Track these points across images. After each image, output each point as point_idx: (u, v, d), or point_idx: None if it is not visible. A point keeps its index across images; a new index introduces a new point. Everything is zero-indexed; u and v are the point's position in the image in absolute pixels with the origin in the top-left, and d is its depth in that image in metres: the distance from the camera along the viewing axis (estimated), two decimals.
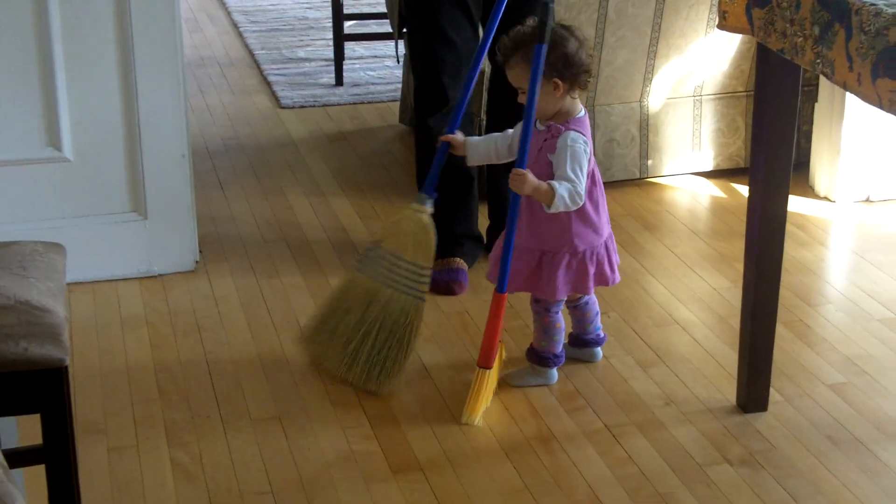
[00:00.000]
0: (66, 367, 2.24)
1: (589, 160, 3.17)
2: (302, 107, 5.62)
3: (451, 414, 3.19)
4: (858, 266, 4.07)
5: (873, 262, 4.07)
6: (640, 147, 4.66)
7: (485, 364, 3.17)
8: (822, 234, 4.30)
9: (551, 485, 2.92)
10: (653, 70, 4.55)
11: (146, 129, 3.81)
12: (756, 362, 3.17)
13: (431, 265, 3.25)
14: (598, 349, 3.45)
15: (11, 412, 2.31)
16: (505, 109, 3.64)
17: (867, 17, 2.38)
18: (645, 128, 4.65)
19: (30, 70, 3.68)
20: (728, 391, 3.29)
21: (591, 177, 3.20)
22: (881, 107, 2.38)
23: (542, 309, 3.30)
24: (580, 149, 3.12)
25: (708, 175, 4.77)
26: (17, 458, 2.35)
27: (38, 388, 2.23)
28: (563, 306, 3.33)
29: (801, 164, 4.67)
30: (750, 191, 3.09)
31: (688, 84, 4.64)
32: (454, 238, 3.93)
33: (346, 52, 6.02)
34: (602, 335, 3.45)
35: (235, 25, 7.02)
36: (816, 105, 4.65)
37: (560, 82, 3.12)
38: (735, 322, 3.38)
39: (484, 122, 4.31)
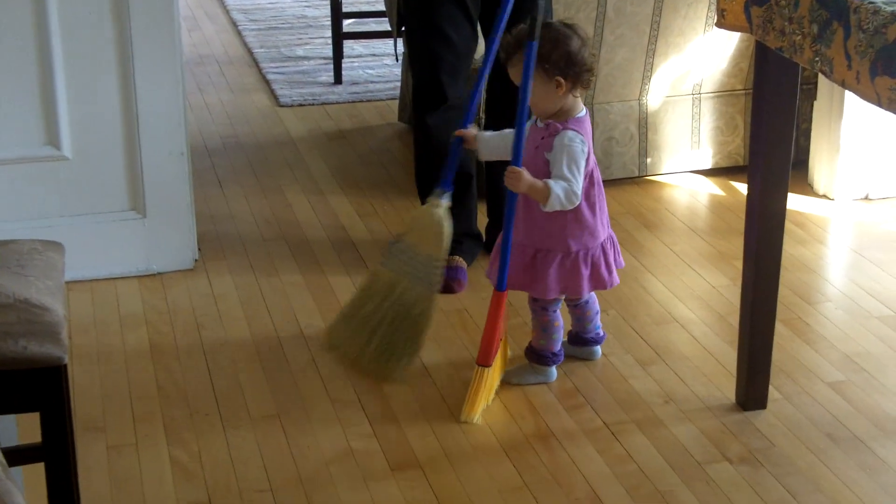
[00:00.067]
0: (65, 366, 2.24)
1: (588, 160, 3.16)
2: (301, 105, 5.62)
3: (450, 412, 3.19)
4: (857, 264, 4.07)
5: (872, 259, 4.07)
6: (639, 145, 4.66)
7: (484, 362, 3.17)
8: (821, 231, 4.30)
9: (550, 483, 2.92)
10: (652, 68, 4.55)
11: (145, 128, 3.81)
12: (755, 360, 3.17)
13: (444, 257, 3.26)
14: (598, 348, 3.45)
15: (10, 410, 2.31)
16: (504, 107, 3.63)
17: (865, 15, 2.38)
18: (644, 126, 4.65)
19: (29, 68, 3.68)
20: (727, 389, 3.29)
21: (590, 178, 3.20)
22: (880, 105, 2.38)
23: (540, 308, 3.30)
24: (577, 148, 3.12)
25: (707, 173, 4.77)
26: (17, 456, 2.35)
27: (37, 386, 2.23)
28: (560, 305, 3.33)
29: (800, 162, 4.67)
30: (749, 189, 3.09)
31: (687, 82, 4.64)
32: (453, 236, 3.92)
33: (344, 50, 6.02)
34: (602, 334, 3.45)
35: (234, 24, 7.02)
36: (815, 103, 4.65)
37: (562, 80, 3.12)
38: (734, 320, 3.38)
39: (483, 120, 4.31)
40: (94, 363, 3.42)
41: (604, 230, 3.26)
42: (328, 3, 6.09)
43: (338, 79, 5.90)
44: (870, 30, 2.37)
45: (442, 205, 3.24)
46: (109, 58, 3.73)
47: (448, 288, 3.80)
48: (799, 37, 2.63)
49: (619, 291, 3.78)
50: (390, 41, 6.27)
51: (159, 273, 3.94)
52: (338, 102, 5.66)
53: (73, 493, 2.35)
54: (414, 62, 3.91)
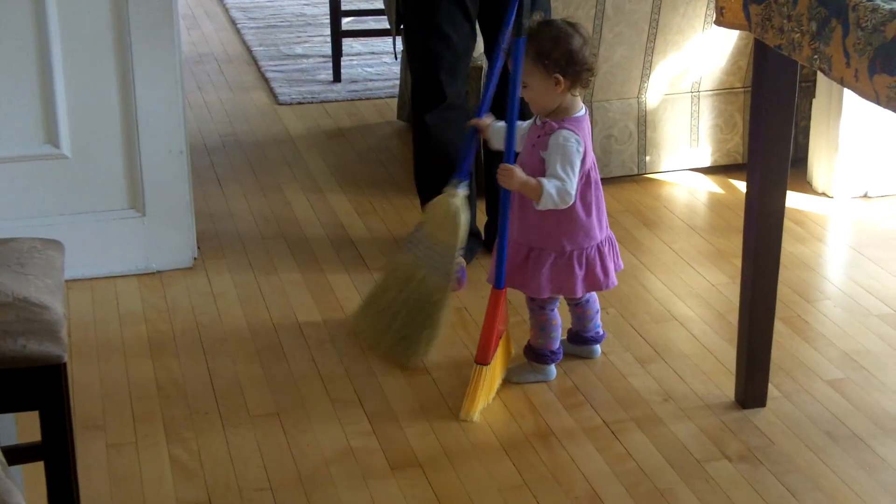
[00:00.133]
0: (65, 364, 2.24)
1: (584, 161, 3.16)
2: (300, 103, 5.62)
3: (450, 411, 3.19)
4: (856, 262, 4.07)
5: (871, 257, 4.07)
6: (637, 143, 4.66)
7: (482, 360, 3.17)
8: (820, 229, 4.30)
9: (550, 481, 2.92)
10: (650, 66, 4.55)
11: (144, 126, 3.81)
12: (754, 358, 3.17)
13: (460, 246, 3.27)
14: (598, 346, 3.45)
15: (10, 409, 2.31)
16: (506, 104, 3.64)
17: (864, 13, 2.38)
18: (643, 124, 4.65)
19: (28, 67, 3.67)
20: (726, 387, 3.29)
21: (587, 178, 3.19)
22: (878, 103, 2.38)
23: (537, 306, 3.31)
24: (572, 148, 3.12)
25: (706, 171, 4.77)
26: (16, 454, 2.35)
27: (37, 384, 2.23)
28: (558, 303, 3.33)
29: (799, 160, 4.67)
30: (748, 187, 3.09)
31: (685, 80, 4.64)
32: None
33: (343, 48, 6.02)
34: (602, 333, 3.45)
35: (233, 22, 7.02)
36: (814, 101, 4.65)
37: (561, 78, 3.12)
38: (733, 318, 3.38)
39: None
40: (93, 362, 3.42)
41: (601, 231, 3.25)
42: (327, 1, 6.09)
43: (337, 77, 5.90)
44: (868, 28, 2.37)
45: (458, 194, 3.25)
46: (109, 56, 3.73)
47: None
48: (798, 34, 2.63)
49: (618, 290, 3.78)
50: (389, 39, 6.27)
51: (159, 271, 3.94)
52: (337, 101, 5.66)
53: (72, 491, 2.35)
54: (413, 61, 3.91)
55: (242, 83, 5.96)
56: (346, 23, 6.20)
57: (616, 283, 3.31)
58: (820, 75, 4.58)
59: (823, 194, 4.58)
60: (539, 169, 3.15)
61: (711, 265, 4.02)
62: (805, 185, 4.64)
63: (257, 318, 3.67)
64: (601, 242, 3.25)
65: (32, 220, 3.78)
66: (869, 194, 4.56)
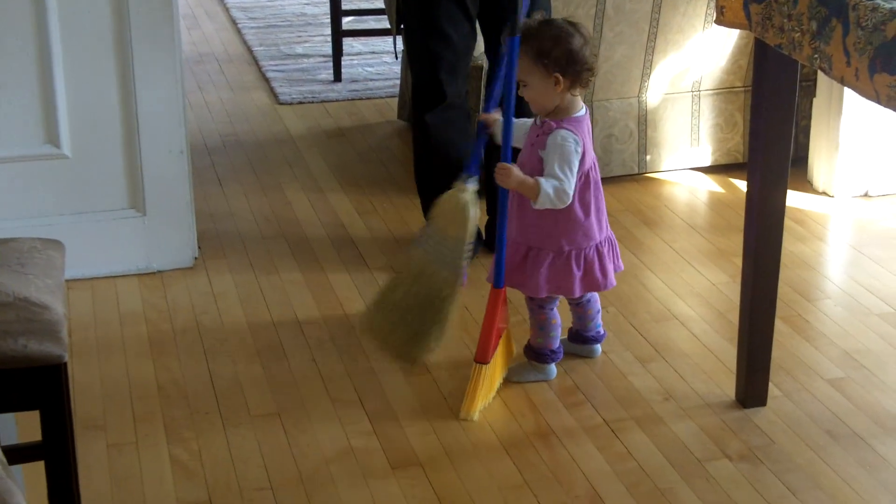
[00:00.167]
0: (65, 364, 2.24)
1: (584, 161, 3.16)
2: (300, 103, 5.62)
3: (450, 410, 3.19)
4: (857, 261, 4.07)
5: (872, 256, 4.07)
6: (638, 142, 4.66)
7: (481, 359, 3.17)
8: (821, 229, 4.30)
9: (550, 480, 2.92)
10: (651, 66, 4.55)
11: (144, 126, 3.81)
12: (755, 357, 3.17)
13: (469, 240, 3.27)
14: (598, 346, 3.45)
15: (10, 409, 2.31)
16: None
17: (864, 12, 2.38)
18: (643, 123, 4.65)
19: (28, 67, 3.67)
20: (727, 386, 3.29)
21: (586, 178, 3.18)
22: (879, 102, 2.38)
23: (536, 306, 3.31)
24: (570, 148, 3.12)
25: (706, 170, 4.77)
26: (17, 454, 2.35)
27: (37, 384, 2.23)
28: (557, 303, 3.33)
29: (800, 159, 4.67)
30: (748, 186, 3.09)
31: (686, 79, 4.64)
32: None
33: (344, 48, 6.02)
34: (602, 332, 3.45)
35: (234, 22, 7.02)
36: (815, 100, 4.65)
37: (560, 78, 3.12)
38: (734, 317, 3.38)
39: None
40: (94, 362, 3.43)
41: (600, 232, 3.25)
42: (327, 0, 6.09)
43: (337, 76, 5.90)
44: (868, 27, 2.37)
45: (468, 189, 3.25)
46: (109, 56, 3.73)
47: None
48: (798, 34, 2.63)
49: (618, 289, 3.77)
50: (389, 39, 6.27)
51: (159, 271, 3.94)
52: (337, 100, 5.66)
53: (73, 491, 2.35)
54: (413, 61, 3.91)
55: (243, 83, 5.96)
56: (347, 22, 6.20)
57: (615, 283, 3.30)
58: (820, 74, 4.58)
59: (824, 193, 4.58)
60: (538, 168, 3.15)
61: (712, 264, 4.02)
62: (806, 185, 4.64)
63: (258, 318, 3.67)
64: (600, 243, 3.25)
65: (33, 220, 3.78)
66: (869, 193, 4.56)
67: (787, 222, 3.42)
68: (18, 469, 2.65)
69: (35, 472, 2.51)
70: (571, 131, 3.13)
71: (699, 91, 4.68)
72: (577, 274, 3.22)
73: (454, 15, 3.73)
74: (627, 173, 4.68)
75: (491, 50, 3.87)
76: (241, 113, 5.51)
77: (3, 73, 3.66)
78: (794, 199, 4.40)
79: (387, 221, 4.34)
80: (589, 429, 3.12)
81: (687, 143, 4.73)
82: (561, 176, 3.10)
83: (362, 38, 6.36)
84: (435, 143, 3.87)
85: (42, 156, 3.77)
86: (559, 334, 3.34)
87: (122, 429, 3.12)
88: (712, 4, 4.46)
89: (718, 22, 2.98)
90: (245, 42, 6.61)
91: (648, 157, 4.69)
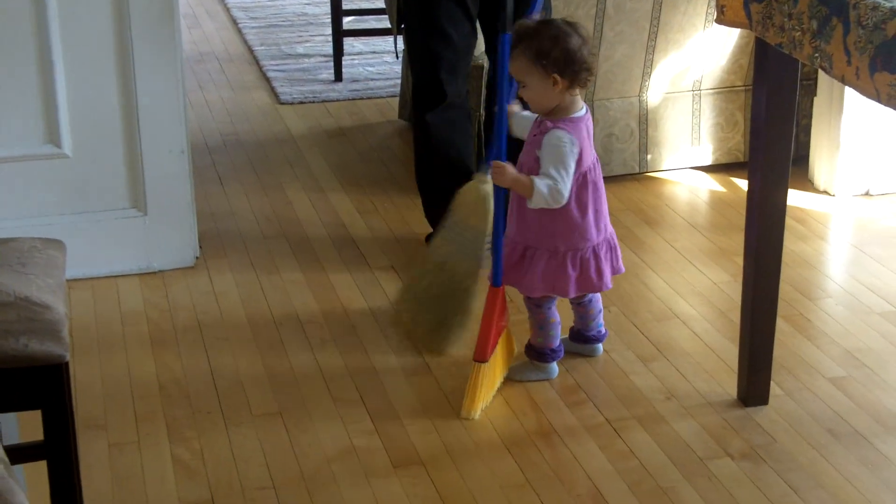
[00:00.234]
0: (67, 364, 2.24)
1: (581, 161, 3.15)
2: (301, 103, 5.62)
3: (451, 409, 3.19)
4: (858, 260, 4.07)
5: (873, 255, 4.07)
6: (639, 141, 4.66)
7: (480, 358, 3.17)
8: (822, 227, 4.30)
9: (552, 479, 2.92)
10: (651, 65, 4.55)
11: (145, 126, 3.81)
12: (756, 356, 3.17)
13: (489, 231, 3.30)
14: (599, 345, 3.45)
15: (12, 408, 2.31)
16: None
17: (865, 11, 2.38)
18: (644, 122, 4.65)
19: (29, 67, 3.68)
20: (729, 385, 3.29)
21: (583, 179, 3.17)
22: (879, 100, 2.38)
23: (534, 305, 3.31)
24: (566, 149, 3.11)
25: (707, 169, 4.77)
26: (19, 453, 2.35)
27: (39, 384, 2.23)
28: (556, 302, 3.32)
29: (801, 158, 4.67)
30: (749, 185, 3.09)
31: (686, 79, 4.64)
32: None
33: (345, 47, 6.02)
34: (604, 331, 3.45)
35: (234, 21, 7.02)
36: (815, 99, 4.65)
37: (559, 78, 3.11)
38: (735, 316, 3.38)
39: (483, 118, 4.31)
40: (95, 361, 3.43)
41: (598, 233, 3.24)
42: (328, 0, 6.09)
43: (338, 76, 5.90)
44: (869, 26, 2.37)
45: (488, 180, 3.26)
46: (110, 55, 3.73)
47: None
48: (798, 33, 2.63)
49: (620, 288, 3.78)
50: (390, 38, 6.26)
51: (160, 271, 3.94)
52: (338, 100, 5.66)
53: (75, 491, 2.35)
54: (414, 60, 3.91)
55: (244, 82, 5.96)
56: (348, 22, 6.20)
57: (610, 286, 3.29)
58: (821, 73, 4.58)
59: (825, 192, 4.58)
60: (535, 167, 3.16)
61: (713, 263, 4.02)
62: (806, 183, 4.64)
63: (259, 318, 3.67)
64: (598, 245, 3.24)
65: (34, 220, 3.78)
66: (870, 192, 4.56)
67: (789, 221, 3.42)
68: (20, 469, 2.65)
69: (37, 472, 2.52)
70: (567, 131, 3.13)
71: (700, 90, 4.68)
72: (573, 275, 3.21)
73: (454, 14, 3.73)
74: (628, 172, 4.68)
75: (491, 50, 3.87)
76: (242, 112, 5.51)
77: (3, 72, 3.66)
78: (795, 197, 4.40)
79: (388, 221, 4.34)
80: (591, 428, 3.12)
81: (688, 143, 4.73)
82: (556, 176, 3.10)
83: (363, 37, 6.36)
84: (436, 142, 3.87)
85: (43, 155, 3.77)
86: (559, 333, 3.34)
87: (123, 428, 3.12)
88: (713, 3, 4.46)
89: (719, 21, 2.98)
90: (246, 41, 6.61)
91: (649, 157, 4.69)
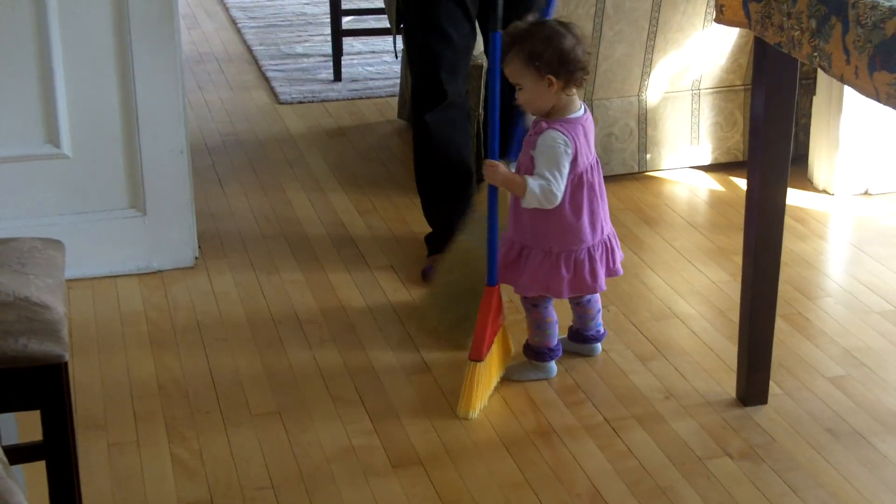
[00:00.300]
0: (66, 364, 2.24)
1: (575, 163, 3.14)
2: (300, 102, 5.62)
3: (450, 408, 3.19)
4: (857, 259, 4.07)
5: (872, 254, 4.07)
6: (638, 141, 4.66)
7: (475, 357, 3.17)
8: (821, 227, 4.30)
9: (551, 478, 2.92)
10: (651, 64, 4.56)
11: (145, 126, 3.81)
12: (755, 355, 3.17)
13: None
14: (598, 344, 3.45)
15: (11, 408, 2.31)
16: (503, 104, 3.64)
17: (864, 10, 2.38)
18: (643, 122, 4.65)
19: (29, 67, 3.68)
20: (728, 384, 3.29)
21: (579, 180, 3.17)
22: (878, 100, 2.38)
23: (530, 304, 3.31)
24: (559, 150, 3.11)
25: (706, 168, 4.77)
26: (18, 454, 2.35)
27: (38, 384, 2.23)
28: (552, 301, 3.32)
29: (800, 158, 4.67)
30: (748, 184, 3.09)
31: (686, 78, 4.65)
32: (453, 232, 3.93)
33: (344, 47, 6.02)
34: (602, 331, 3.45)
35: (233, 21, 7.02)
36: (814, 98, 4.65)
37: (554, 79, 3.11)
38: (734, 315, 3.39)
39: (482, 117, 4.31)
40: (94, 361, 3.43)
41: (594, 235, 3.23)
42: (327, 0, 6.09)
43: (337, 76, 5.90)
44: (868, 25, 2.37)
45: None
46: (109, 56, 3.73)
47: None
48: (797, 32, 2.63)
49: (619, 287, 3.78)
50: (389, 38, 6.27)
51: (160, 271, 3.94)
52: (337, 100, 5.66)
53: (74, 491, 2.35)
54: (413, 60, 3.91)
55: (243, 82, 5.96)
56: (347, 22, 6.20)
57: (605, 288, 3.29)
58: (820, 72, 4.58)
59: (824, 191, 4.59)
60: (531, 168, 3.16)
61: (712, 263, 4.02)
62: (806, 183, 4.64)
63: (258, 317, 3.67)
64: (593, 247, 3.23)
65: (33, 220, 3.78)
66: (870, 191, 4.56)
67: (788, 220, 3.43)
68: (19, 469, 2.65)
69: (36, 472, 2.51)
70: (561, 132, 3.12)
71: (699, 89, 4.68)
72: (566, 276, 3.21)
73: (454, 14, 3.73)
74: (628, 172, 4.68)
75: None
76: (242, 112, 5.51)
77: (3, 73, 3.66)
78: (795, 197, 4.40)
79: (387, 220, 4.34)
80: (590, 427, 3.12)
81: (687, 142, 4.73)
82: (548, 176, 3.10)
83: (362, 37, 6.36)
84: (435, 142, 3.87)
85: (42, 155, 3.77)
86: (556, 332, 3.34)
87: (122, 428, 3.12)
88: (712, 3, 4.46)
89: (718, 20, 2.99)
90: (245, 41, 6.61)
91: (648, 156, 4.69)
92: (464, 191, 3.93)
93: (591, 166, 3.21)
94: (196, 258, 4.01)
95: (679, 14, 4.48)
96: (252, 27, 6.85)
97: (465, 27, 3.77)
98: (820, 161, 4.60)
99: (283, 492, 2.87)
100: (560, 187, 3.11)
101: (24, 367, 2.19)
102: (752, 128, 3.06)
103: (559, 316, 3.37)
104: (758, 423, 3.13)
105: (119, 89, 3.77)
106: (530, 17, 3.19)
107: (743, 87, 4.70)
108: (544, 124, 3.15)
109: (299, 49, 6.43)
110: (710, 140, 4.74)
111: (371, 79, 5.93)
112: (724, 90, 4.70)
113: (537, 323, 3.31)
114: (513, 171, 3.23)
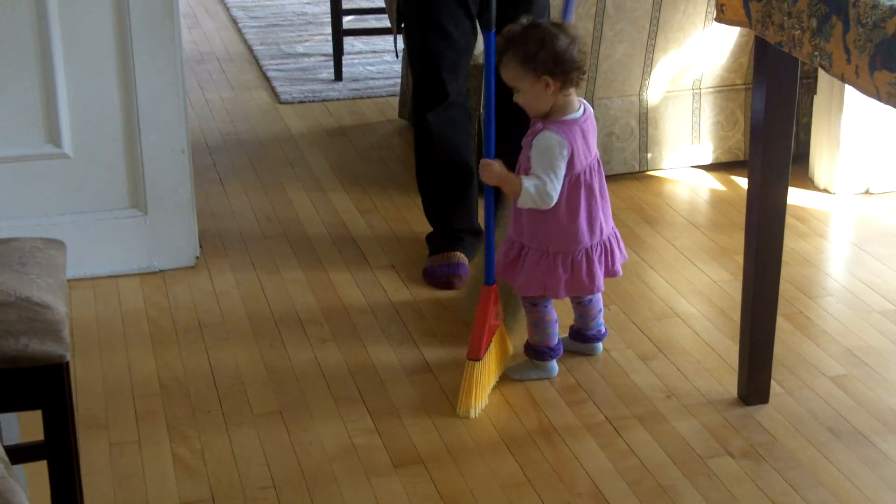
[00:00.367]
0: (67, 363, 2.24)
1: (572, 164, 3.13)
2: (301, 102, 5.62)
3: (451, 407, 3.19)
4: (858, 258, 4.07)
5: (873, 253, 4.07)
6: (639, 140, 4.66)
7: (473, 356, 3.18)
8: (822, 226, 4.30)
9: (553, 477, 2.92)
10: (651, 64, 4.56)
11: (145, 125, 3.81)
12: (757, 354, 3.17)
13: None
14: (599, 344, 3.45)
15: (13, 408, 2.31)
16: (503, 104, 3.64)
17: (864, 9, 2.38)
18: (644, 121, 4.65)
19: (29, 66, 3.68)
20: (729, 383, 3.29)
21: (576, 182, 3.16)
22: (879, 99, 2.38)
23: (529, 303, 3.31)
24: (554, 151, 3.11)
25: (707, 168, 4.77)
26: (19, 453, 2.35)
27: (39, 384, 2.23)
28: (552, 301, 3.32)
29: (801, 157, 4.67)
30: (749, 183, 3.09)
31: (686, 77, 4.64)
32: (454, 232, 3.93)
33: (345, 46, 6.02)
34: (604, 331, 3.45)
35: (234, 21, 7.02)
36: (815, 97, 4.65)
37: (550, 80, 3.11)
38: (735, 314, 3.39)
39: (482, 117, 4.31)
40: (95, 361, 3.43)
41: (592, 236, 3.22)
42: None
43: (338, 75, 5.90)
44: (869, 24, 2.37)
45: None
46: (110, 55, 3.74)
47: (449, 283, 3.82)
48: (798, 31, 2.63)
49: (620, 286, 3.78)
50: (390, 38, 6.26)
51: (161, 270, 3.94)
52: (338, 99, 5.66)
53: (75, 490, 2.35)
54: (414, 59, 3.91)
55: (244, 82, 5.96)
56: (348, 21, 6.20)
57: (602, 288, 3.29)
58: (821, 72, 4.58)
59: (825, 191, 4.59)
60: (530, 169, 3.16)
61: (713, 262, 4.02)
62: (807, 182, 4.64)
63: (260, 317, 3.67)
64: (592, 248, 3.23)
65: (34, 220, 3.78)
66: (871, 190, 4.56)
67: (789, 220, 3.43)
68: (21, 469, 2.65)
69: (38, 472, 2.52)
70: (557, 133, 3.12)
71: (700, 89, 4.68)
72: (563, 276, 3.21)
73: (455, 13, 3.73)
74: (628, 171, 4.68)
75: None
76: (242, 112, 5.51)
77: (3, 72, 3.66)
78: (796, 196, 4.40)
79: (388, 220, 4.34)
80: (591, 426, 3.12)
81: (688, 141, 4.73)
82: (543, 177, 3.10)
83: (363, 36, 6.36)
84: (436, 141, 3.87)
85: (43, 155, 3.77)
86: (556, 331, 3.34)
87: (124, 428, 3.12)
88: (713, 2, 4.46)
89: (719, 20, 2.99)
90: (246, 41, 6.61)
91: (649, 155, 4.69)
92: (465, 190, 3.93)
93: (591, 167, 3.20)
94: (197, 258, 4.01)
95: (680, 13, 4.48)
96: (253, 26, 6.85)
97: (466, 26, 3.77)
98: (821, 160, 4.60)
99: (285, 491, 2.87)
100: (555, 188, 3.11)
101: (25, 367, 2.19)
102: (752, 127, 3.06)
103: (560, 315, 3.37)
104: (759, 423, 3.13)
105: (120, 89, 3.77)
106: (524, 20, 3.19)
107: (744, 87, 4.70)
108: (540, 125, 3.15)
109: (300, 48, 6.43)
110: (711, 139, 4.74)
111: (372, 78, 5.93)
112: (724, 89, 4.71)
113: (536, 322, 3.32)
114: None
